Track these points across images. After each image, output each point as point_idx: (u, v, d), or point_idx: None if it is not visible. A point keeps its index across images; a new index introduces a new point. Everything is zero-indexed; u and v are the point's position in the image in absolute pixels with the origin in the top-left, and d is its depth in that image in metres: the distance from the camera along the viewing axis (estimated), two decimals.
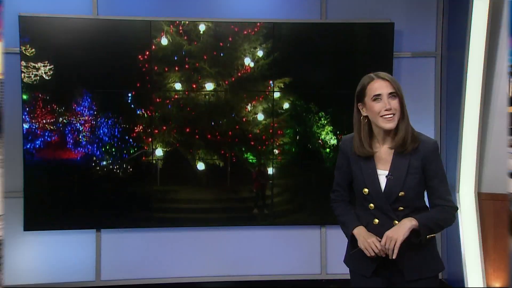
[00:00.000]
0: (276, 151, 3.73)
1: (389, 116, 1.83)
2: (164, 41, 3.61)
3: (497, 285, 3.43)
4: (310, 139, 3.75)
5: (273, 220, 3.75)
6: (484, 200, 3.53)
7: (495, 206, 3.47)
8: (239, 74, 3.66)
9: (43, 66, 3.47)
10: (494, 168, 3.50)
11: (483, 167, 3.56)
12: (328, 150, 3.74)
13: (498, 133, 3.47)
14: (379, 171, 1.89)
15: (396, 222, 1.86)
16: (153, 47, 3.59)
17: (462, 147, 3.57)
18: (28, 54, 3.44)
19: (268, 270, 3.87)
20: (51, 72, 3.50)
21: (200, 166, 3.69)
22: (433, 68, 3.91)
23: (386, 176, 1.87)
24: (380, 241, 1.84)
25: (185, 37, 3.62)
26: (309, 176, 3.79)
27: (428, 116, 3.90)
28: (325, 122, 3.69)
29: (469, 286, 3.45)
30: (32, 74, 3.45)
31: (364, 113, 1.90)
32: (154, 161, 3.65)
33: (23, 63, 3.46)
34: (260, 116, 3.71)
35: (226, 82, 3.65)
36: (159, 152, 3.65)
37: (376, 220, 1.90)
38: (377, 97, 1.84)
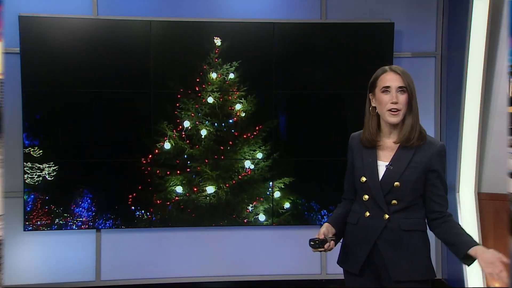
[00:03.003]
0: None
1: (395, 110, 1.85)
2: (167, 145, 3.63)
3: (497, 285, 3.43)
4: None
5: (273, 220, 3.75)
6: (484, 200, 3.53)
7: (495, 206, 3.46)
8: (239, 176, 3.70)
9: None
10: (494, 168, 3.50)
11: (483, 167, 3.56)
12: None
13: (498, 133, 3.47)
14: (380, 162, 1.91)
15: (387, 216, 1.86)
16: (156, 150, 3.61)
17: (462, 147, 3.57)
18: (35, 156, 3.49)
19: (268, 270, 3.87)
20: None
21: None
22: (433, 68, 3.92)
23: (386, 166, 1.89)
24: None
25: (187, 141, 3.64)
26: None
27: (428, 116, 3.90)
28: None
29: (469, 286, 3.45)
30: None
31: (373, 104, 1.93)
32: None
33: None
34: (262, 217, 3.73)
35: (227, 185, 3.69)
36: None
37: (367, 213, 1.91)
38: (386, 89, 1.88)
